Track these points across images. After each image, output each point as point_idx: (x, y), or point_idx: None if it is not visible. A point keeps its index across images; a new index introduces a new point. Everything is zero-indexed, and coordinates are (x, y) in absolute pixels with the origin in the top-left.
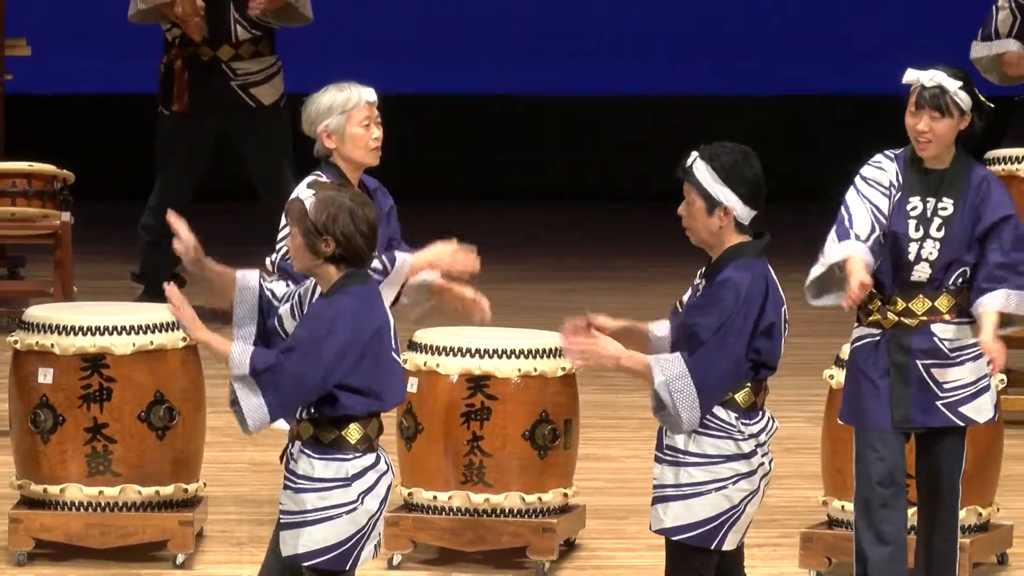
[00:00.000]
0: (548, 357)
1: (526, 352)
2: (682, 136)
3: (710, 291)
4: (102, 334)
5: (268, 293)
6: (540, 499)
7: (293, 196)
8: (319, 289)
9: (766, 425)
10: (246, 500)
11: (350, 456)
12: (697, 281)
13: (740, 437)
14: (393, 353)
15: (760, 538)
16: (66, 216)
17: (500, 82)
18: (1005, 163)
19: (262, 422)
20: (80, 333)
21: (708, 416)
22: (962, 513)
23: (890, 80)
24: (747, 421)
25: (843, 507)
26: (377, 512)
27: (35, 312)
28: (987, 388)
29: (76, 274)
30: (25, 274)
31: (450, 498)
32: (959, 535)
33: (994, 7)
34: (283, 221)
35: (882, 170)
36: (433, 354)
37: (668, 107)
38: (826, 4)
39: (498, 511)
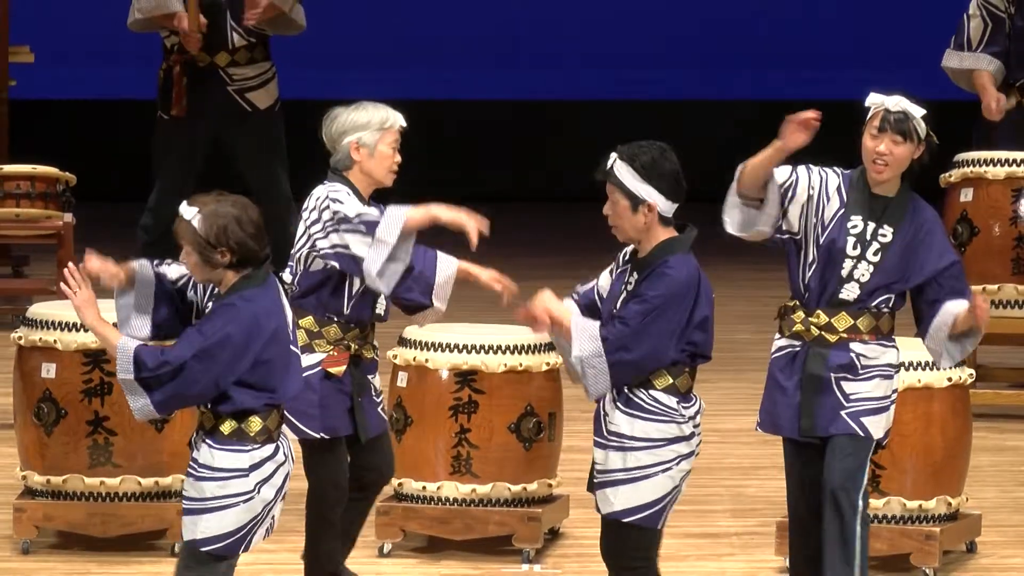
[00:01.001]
0: (533, 352)
1: (512, 348)
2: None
3: (650, 283)
4: None
5: (165, 280)
6: (525, 489)
7: (179, 218)
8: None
9: (699, 408)
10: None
11: (248, 447)
12: (619, 269)
13: (681, 420)
14: (292, 347)
15: (738, 527)
16: (68, 217)
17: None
18: (973, 166)
19: (149, 416)
20: (82, 330)
21: (652, 402)
22: (932, 503)
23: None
24: (686, 405)
25: None
26: (272, 500)
27: (38, 309)
28: (888, 408)
29: None
30: (29, 273)
31: (439, 488)
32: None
33: (965, 15)
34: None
35: (832, 174)
36: (422, 350)
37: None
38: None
39: (485, 501)
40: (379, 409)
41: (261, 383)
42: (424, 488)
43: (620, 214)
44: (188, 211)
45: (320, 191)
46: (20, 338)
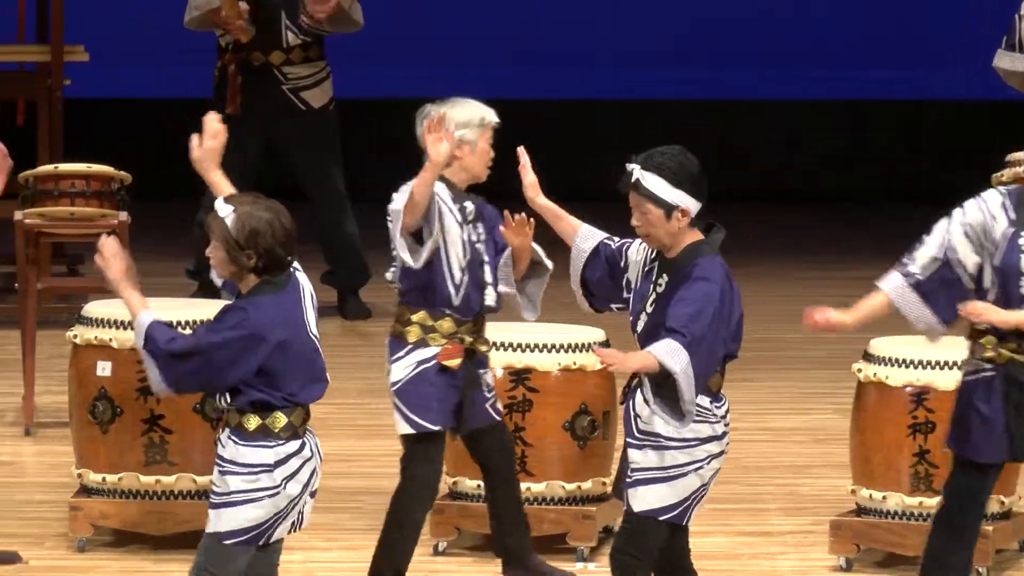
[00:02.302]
0: (587, 351)
1: (566, 346)
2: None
3: (690, 287)
4: None
5: None
6: (580, 488)
7: (213, 213)
8: None
9: (727, 407)
10: None
11: (273, 443)
12: (647, 266)
13: (714, 420)
14: (311, 353)
15: (791, 526)
16: (123, 215)
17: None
18: None
19: (163, 392)
20: None
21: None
22: None
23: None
24: (718, 404)
25: (870, 495)
26: (299, 496)
27: (94, 308)
28: None
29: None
30: (84, 271)
31: None
32: None
33: (1017, 16)
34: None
35: (992, 194)
36: None
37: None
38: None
39: (539, 499)
40: (488, 405)
41: (275, 386)
42: (479, 487)
43: (654, 223)
44: (223, 208)
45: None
46: (75, 336)
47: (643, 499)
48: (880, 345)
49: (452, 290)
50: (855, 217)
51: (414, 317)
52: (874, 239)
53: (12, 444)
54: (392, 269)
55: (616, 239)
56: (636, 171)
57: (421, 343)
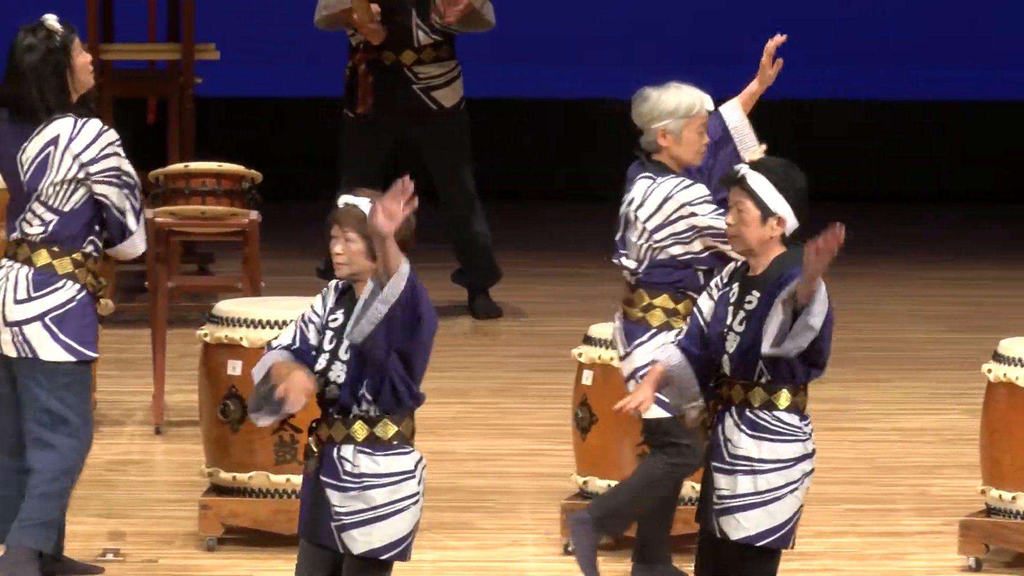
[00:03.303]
0: None
1: None
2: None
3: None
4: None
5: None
6: None
7: (343, 204)
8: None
9: (812, 426)
10: (427, 487)
11: (409, 449)
12: (721, 289)
13: (805, 438)
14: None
15: (921, 526)
16: (254, 214)
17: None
18: None
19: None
20: (268, 326)
21: (776, 423)
22: None
23: None
24: (806, 422)
25: (1000, 496)
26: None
27: (224, 306)
28: None
29: (263, 270)
30: (214, 270)
31: None
32: None
33: None
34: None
35: None
36: (608, 348)
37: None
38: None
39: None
40: None
41: (409, 375)
42: (609, 486)
43: (748, 223)
44: (359, 201)
45: (669, 193)
46: (206, 335)
47: (738, 526)
48: (1010, 346)
49: (702, 274)
50: (970, 216)
51: (656, 301)
52: (991, 238)
53: (142, 443)
54: (623, 254)
55: (682, 331)
56: (743, 168)
57: (665, 326)
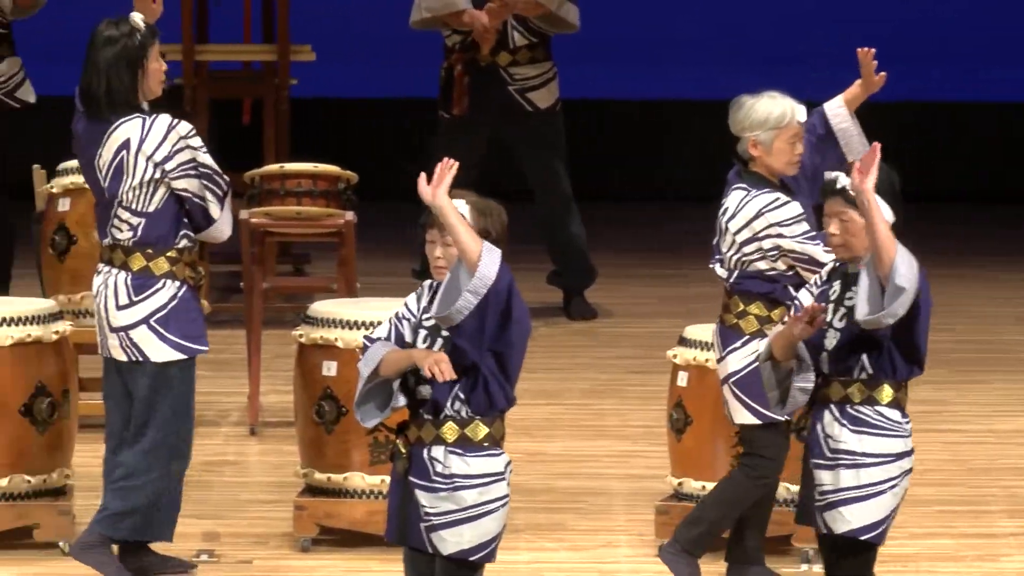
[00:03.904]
0: None
1: None
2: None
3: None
4: None
5: None
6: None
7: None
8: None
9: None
10: (521, 489)
11: (499, 452)
12: (820, 287)
13: (906, 435)
14: None
15: (1014, 527)
16: (350, 215)
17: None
18: None
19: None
20: (363, 327)
21: (879, 418)
22: None
23: None
24: (907, 420)
25: None
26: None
27: (320, 307)
28: None
29: (359, 270)
30: (310, 271)
31: None
32: None
33: None
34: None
35: None
36: (703, 349)
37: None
38: None
39: None
40: None
41: (504, 375)
42: (704, 487)
43: (854, 232)
44: (456, 203)
45: (761, 210)
46: (301, 336)
47: (842, 520)
48: None
49: (792, 287)
50: None
51: (750, 308)
52: None
53: (237, 444)
54: (717, 260)
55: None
56: (842, 177)
57: (758, 333)
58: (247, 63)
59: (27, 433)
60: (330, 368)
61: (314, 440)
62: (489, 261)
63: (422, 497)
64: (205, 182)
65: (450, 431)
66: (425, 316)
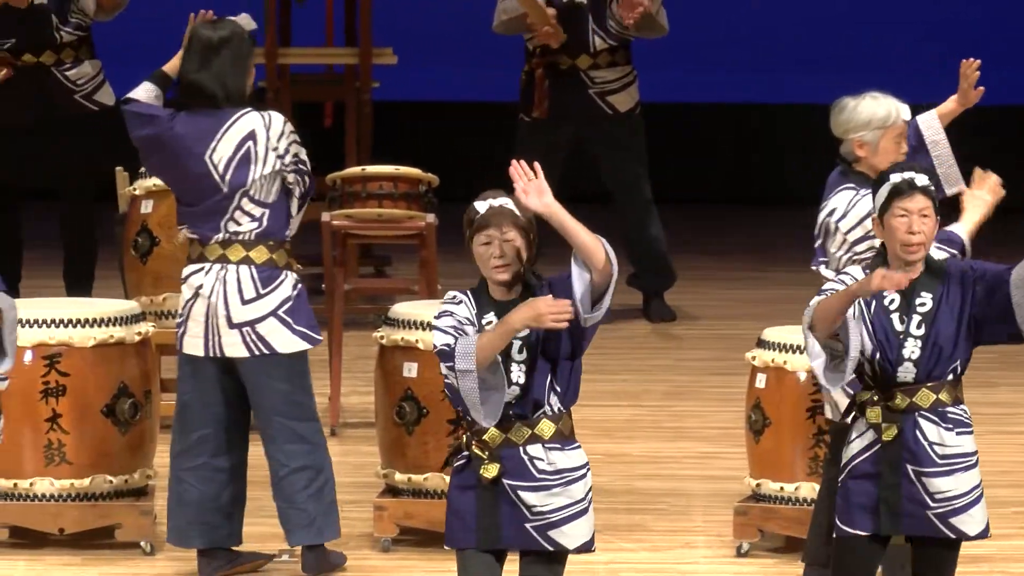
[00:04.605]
0: None
1: None
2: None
3: (980, 267)
4: None
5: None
6: None
7: (487, 207)
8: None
9: None
10: (601, 490)
11: (579, 444)
12: (878, 307)
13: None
14: None
15: None
16: (431, 217)
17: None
18: None
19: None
20: None
21: (967, 415)
22: None
23: None
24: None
25: None
26: None
27: (401, 309)
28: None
29: (440, 272)
30: (391, 272)
31: (796, 489)
32: None
33: None
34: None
35: None
36: (782, 351)
37: None
38: None
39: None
40: None
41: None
42: (782, 489)
43: (929, 233)
44: (505, 201)
45: (865, 201)
46: (382, 337)
47: (974, 522)
48: None
49: None
50: None
51: None
52: None
53: None
54: (822, 261)
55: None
56: (923, 177)
57: None
58: (329, 66)
59: (109, 433)
60: (411, 369)
61: (395, 441)
62: (612, 252)
63: (529, 497)
64: (301, 179)
65: (546, 427)
66: (485, 320)
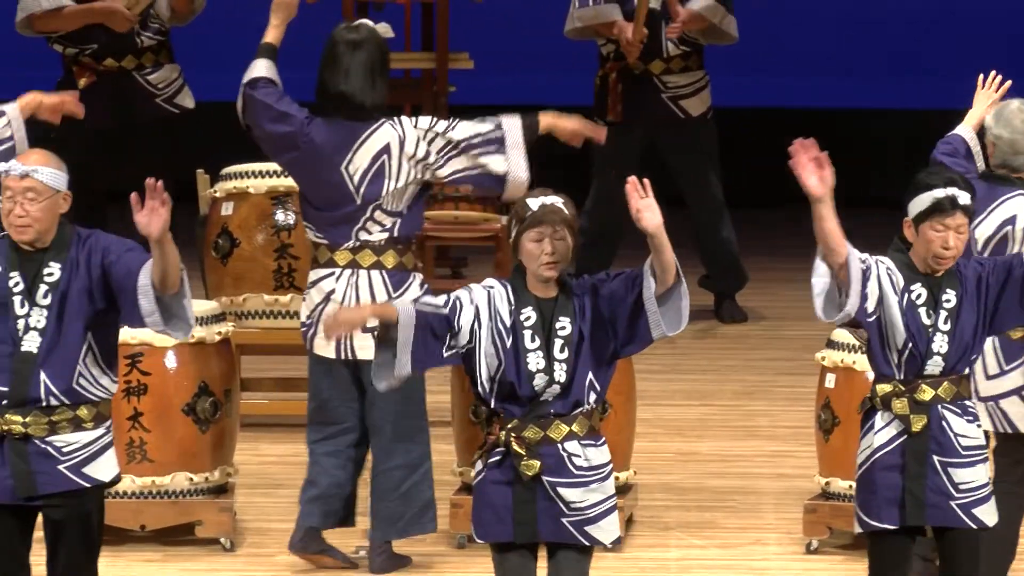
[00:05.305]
0: None
1: None
2: None
3: (997, 261)
4: None
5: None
6: None
7: (539, 205)
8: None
9: None
10: (673, 487)
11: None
12: (904, 290)
13: None
14: None
15: None
16: (506, 220)
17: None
18: None
19: None
20: None
21: (973, 407)
22: None
23: None
24: None
25: None
26: None
27: None
28: None
29: None
30: (467, 274)
31: None
32: None
33: None
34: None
35: None
36: (850, 352)
37: None
38: None
39: None
40: None
41: None
42: (851, 487)
43: (964, 244)
44: (556, 199)
45: None
46: None
47: (991, 512)
48: None
49: None
50: None
51: None
52: None
53: None
54: None
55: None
56: (965, 195)
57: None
58: (407, 70)
59: (190, 432)
60: None
61: (471, 440)
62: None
63: (568, 493)
64: (470, 151)
65: (581, 425)
66: (523, 317)
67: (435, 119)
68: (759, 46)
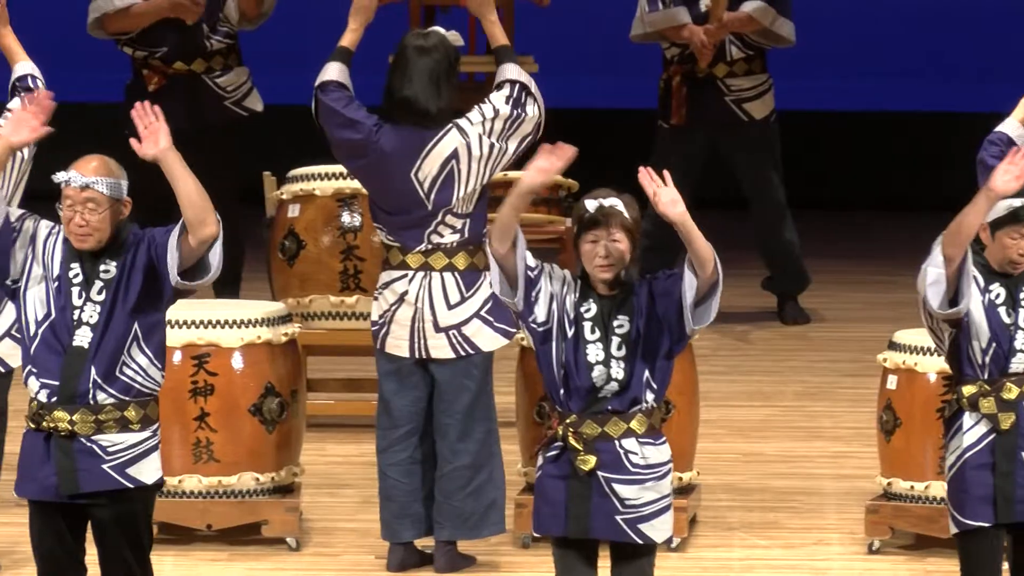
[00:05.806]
0: None
1: None
2: None
3: None
4: None
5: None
6: None
7: (595, 206)
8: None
9: None
10: (736, 488)
11: (665, 438)
12: (991, 300)
13: None
14: None
15: None
16: (570, 222)
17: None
18: None
19: None
20: None
21: None
22: None
23: None
24: None
25: None
26: None
27: None
28: None
29: None
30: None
31: (927, 488)
32: None
33: None
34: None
35: None
36: (912, 353)
37: None
38: None
39: None
40: None
41: None
42: (912, 488)
43: None
44: (615, 201)
45: None
46: (522, 339)
47: None
48: None
49: None
50: None
51: None
52: None
53: None
54: None
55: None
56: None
57: None
58: (471, 74)
59: (257, 432)
60: None
61: (535, 440)
62: (719, 261)
63: (624, 490)
64: (512, 112)
65: (640, 422)
66: (584, 309)
67: (481, 108)
68: (825, 50)
